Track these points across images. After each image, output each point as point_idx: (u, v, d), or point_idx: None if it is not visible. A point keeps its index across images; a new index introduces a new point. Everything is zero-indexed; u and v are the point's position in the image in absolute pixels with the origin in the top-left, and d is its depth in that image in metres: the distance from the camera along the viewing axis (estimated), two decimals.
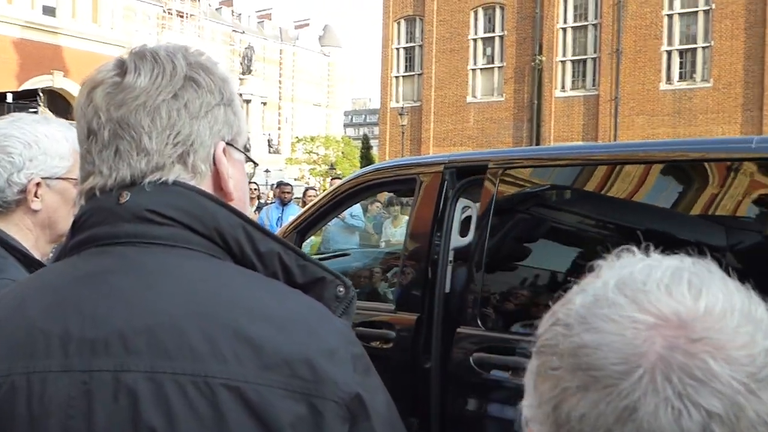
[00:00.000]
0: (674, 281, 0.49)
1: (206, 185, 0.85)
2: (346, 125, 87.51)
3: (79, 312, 0.76)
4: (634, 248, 0.54)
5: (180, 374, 0.71)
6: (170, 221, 0.81)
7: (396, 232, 7.61)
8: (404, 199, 8.03)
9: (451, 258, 3.16)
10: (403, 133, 28.48)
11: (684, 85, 25.05)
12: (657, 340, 0.46)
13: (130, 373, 0.72)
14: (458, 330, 2.81)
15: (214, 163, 0.86)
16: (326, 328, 0.77)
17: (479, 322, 2.78)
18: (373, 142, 39.54)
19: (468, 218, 3.23)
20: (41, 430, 0.72)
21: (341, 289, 0.85)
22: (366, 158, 35.12)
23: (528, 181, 3.02)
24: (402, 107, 29.11)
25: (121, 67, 0.85)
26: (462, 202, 3.18)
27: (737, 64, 23.99)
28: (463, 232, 3.20)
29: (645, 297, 0.48)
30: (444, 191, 3.12)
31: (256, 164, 1.06)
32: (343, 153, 46.98)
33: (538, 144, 26.78)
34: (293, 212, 7.39)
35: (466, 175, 3.16)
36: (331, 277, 0.85)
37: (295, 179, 33.35)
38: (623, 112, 25.53)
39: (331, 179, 11.19)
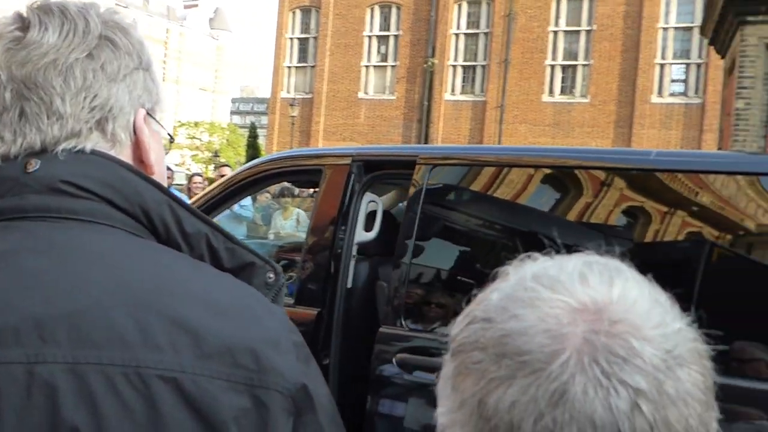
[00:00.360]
0: (586, 271, 0.50)
1: (126, 156, 0.77)
2: (233, 112, 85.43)
3: None
4: (537, 254, 0.54)
5: (107, 365, 0.62)
6: (88, 194, 0.72)
7: (286, 224, 7.46)
8: (296, 190, 7.90)
9: (354, 252, 3.10)
10: (292, 124, 28.15)
11: (564, 98, 26.42)
12: (579, 324, 0.46)
13: (46, 364, 0.62)
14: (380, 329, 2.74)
15: (135, 132, 0.78)
16: (268, 316, 0.72)
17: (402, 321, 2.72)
18: (261, 132, 38.83)
19: (373, 213, 3.19)
20: None
21: (271, 275, 0.79)
22: (252, 147, 34.41)
23: (458, 178, 2.98)
24: (293, 98, 28.75)
25: (22, 21, 0.74)
26: (368, 196, 3.12)
27: (612, 84, 25.60)
28: (368, 227, 3.15)
29: (562, 286, 0.49)
30: (351, 185, 3.05)
31: (172, 139, 0.95)
32: (228, 141, 45.84)
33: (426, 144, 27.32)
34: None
35: (374, 170, 3.11)
36: (261, 263, 0.79)
37: (176, 165, 32.15)
38: (508, 120, 26.56)
39: (217, 167, 10.82)
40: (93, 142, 0.74)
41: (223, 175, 7.36)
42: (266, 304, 0.74)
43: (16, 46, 0.73)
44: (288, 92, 30.72)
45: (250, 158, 32.57)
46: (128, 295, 0.66)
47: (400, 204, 5.15)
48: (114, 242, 0.71)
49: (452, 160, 3.01)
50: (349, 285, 3.06)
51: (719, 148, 13.04)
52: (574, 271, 0.50)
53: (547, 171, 2.70)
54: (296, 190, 7.79)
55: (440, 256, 2.96)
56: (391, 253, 3.37)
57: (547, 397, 0.45)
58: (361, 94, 29.44)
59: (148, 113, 0.80)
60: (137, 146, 0.79)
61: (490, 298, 0.51)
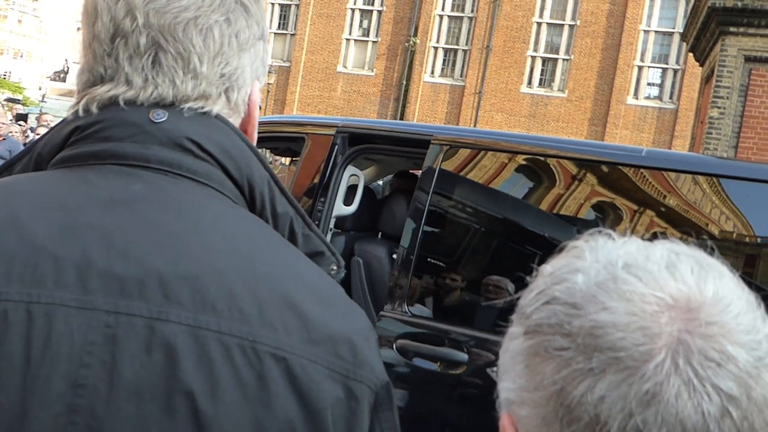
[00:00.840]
0: (676, 262, 0.49)
1: (238, 125, 0.77)
2: None
3: (104, 240, 0.63)
4: (610, 231, 0.53)
5: (227, 334, 0.62)
6: (209, 157, 0.71)
7: None
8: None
9: (332, 226, 3.05)
10: (268, 92, 27.78)
11: (542, 91, 26.56)
12: (674, 322, 0.46)
13: (169, 323, 0.61)
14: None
15: (249, 105, 0.78)
16: (357, 310, 0.73)
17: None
18: None
19: (353, 187, 3.14)
20: (39, 379, 0.57)
21: (334, 266, 0.79)
22: None
23: (474, 161, 2.78)
24: (271, 65, 28.33)
25: None
26: (350, 169, 3.07)
27: (590, 81, 25.82)
28: (347, 201, 3.10)
29: (652, 278, 0.48)
30: (333, 156, 2.99)
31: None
32: None
33: None
34: None
35: (358, 143, 3.05)
36: (329, 253, 0.79)
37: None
38: (484, 107, 26.63)
39: None
40: (219, 106, 0.73)
41: None
42: (349, 298, 0.75)
43: None
44: None
45: None
46: (248, 269, 0.66)
47: (380, 181, 5.09)
48: (231, 212, 0.71)
49: (468, 142, 2.81)
50: None
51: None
52: (662, 260, 0.48)
53: (577, 164, 2.59)
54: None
55: (449, 240, 2.82)
56: (369, 229, 3.33)
57: (639, 396, 0.44)
58: (339, 67, 29.16)
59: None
60: (247, 118, 0.78)
61: (575, 280, 0.49)
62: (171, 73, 0.71)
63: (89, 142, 0.70)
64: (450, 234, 2.84)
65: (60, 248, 0.61)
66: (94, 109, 0.71)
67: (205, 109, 0.72)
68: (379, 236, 3.26)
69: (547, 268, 0.53)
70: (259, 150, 0.73)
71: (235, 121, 0.76)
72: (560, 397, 0.46)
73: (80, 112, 0.71)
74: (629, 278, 0.47)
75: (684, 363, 0.44)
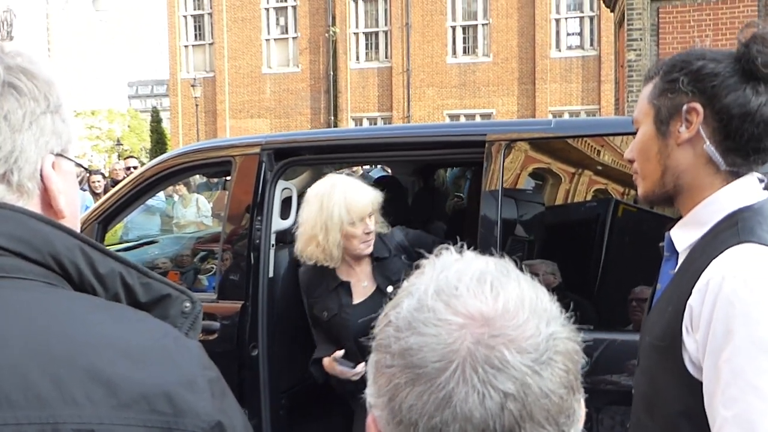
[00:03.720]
0: (479, 284, 0.59)
1: (34, 205, 0.77)
2: (131, 97, 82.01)
3: None
4: (451, 247, 0.64)
5: (24, 424, 0.63)
6: None
7: (187, 212, 7.55)
8: (192, 180, 7.76)
9: (273, 241, 3.08)
10: (197, 105, 27.31)
11: (468, 59, 26.78)
12: (467, 338, 0.56)
13: None
14: None
15: (42, 180, 0.77)
16: (183, 355, 0.73)
17: None
18: (164, 115, 37.52)
19: (288, 200, 3.17)
20: None
21: (187, 304, 0.81)
22: (156, 132, 33.27)
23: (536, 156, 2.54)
24: (194, 78, 27.85)
25: None
26: (281, 183, 3.10)
27: (512, 41, 26.13)
28: (284, 215, 3.13)
29: (457, 301, 0.58)
30: (262, 173, 3.02)
31: (87, 171, 0.94)
32: (129, 127, 44.07)
33: (335, 115, 27.18)
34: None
35: (284, 157, 3.08)
36: (176, 293, 0.81)
37: (76, 156, 30.61)
38: (414, 84, 26.73)
39: (124, 159, 10.36)
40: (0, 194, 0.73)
41: (128, 167, 7.11)
42: (181, 341, 0.75)
43: None
44: (188, 72, 29.72)
45: (155, 143, 31.50)
46: (44, 351, 0.66)
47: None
48: (27, 296, 0.71)
49: (530, 137, 2.56)
50: (271, 274, 3.05)
51: (616, 99, 13.57)
52: (470, 282, 0.59)
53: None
54: (192, 179, 7.68)
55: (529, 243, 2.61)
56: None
57: (437, 402, 0.55)
58: (264, 69, 28.86)
59: (59, 154, 0.79)
60: (45, 193, 0.77)
61: (402, 305, 0.60)
62: None
63: None
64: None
65: None
66: None
67: None
68: None
69: (403, 284, 0.64)
70: (63, 225, 0.77)
71: (28, 202, 0.76)
72: (390, 404, 0.58)
73: None
74: (437, 305, 0.58)
75: (470, 371, 0.55)
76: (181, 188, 7.58)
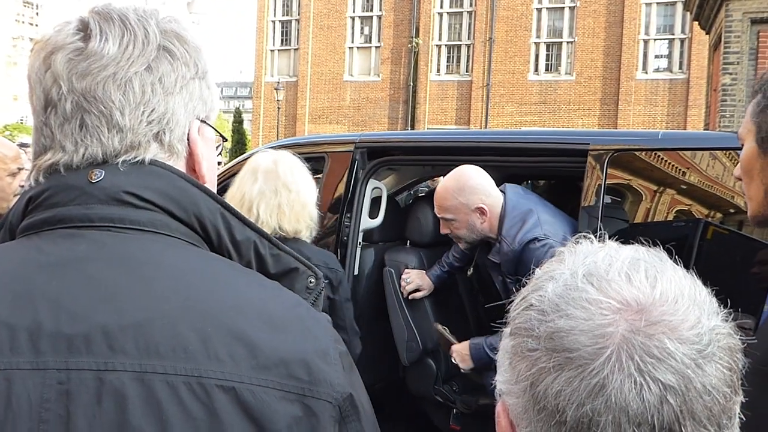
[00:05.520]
0: (633, 270, 0.55)
1: (181, 166, 0.80)
2: None
3: (52, 303, 0.67)
4: (591, 236, 0.61)
5: (172, 374, 0.66)
6: (149, 205, 0.75)
7: None
8: None
9: (360, 239, 3.11)
10: (278, 108, 27.96)
11: (550, 76, 26.41)
12: (621, 324, 0.52)
13: (116, 372, 0.65)
14: None
15: (188, 144, 0.80)
16: (317, 327, 0.75)
17: None
18: (246, 117, 38.54)
19: (377, 199, 3.20)
20: None
21: (312, 280, 0.83)
22: (238, 132, 34.16)
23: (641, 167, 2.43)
24: (278, 82, 28.53)
25: (85, 29, 0.76)
26: (372, 183, 3.13)
27: (597, 61, 25.61)
28: (372, 214, 3.16)
29: (609, 285, 0.55)
30: (354, 171, 3.06)
31: (225, 140, 0.97)
32: None
33: (413, 126, 27.26)
34: None
35: (377, 156, 3.12)
36: (303, 268, 0.83)
37: None
38: (494, 99, 26.55)
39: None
40: (152, 153, 0.77)
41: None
42: (313, 313, 0.77)
43: (77, 57, 0.75)
44: (272, 76, 30.47)
45: (236, 143, 32.34)
46: (192, 306, 0.69)
47: (408, 192, 5.16)
48: (175, 254, 0.74)
49: (636, 147, 2.47)
50: (356, 272, 3.08)
51: (706, 124, 13.10)
52: (622, 268, 0.55)
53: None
54: None
55: None
56: (396, 239, 3.38)
57: (588, 389, 0.51)
58: (346, 76, 29.27)
59: (203, 121, 0.82)
60: (191, 157, 0.81)
61: (546, 288, 0.57)
62: (96, 132, 0.74)
63: (41, 210, 0.75)
64: None
65: (12, 317, 0.66)
66: (41, 178, 0.76)
67: (137, 159, 0.75)
68: (408, 244, 3.32)
69: (537, 272, 0.61)
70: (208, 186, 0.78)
71: (177, 162, 0.79)
72: (531, 390, 0.55)
73: (32, 183, 0.77)
74: (587, 287, 0.55)
75: (627, 359, 0.51)
76: None
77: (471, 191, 2.59)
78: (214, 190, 0.84)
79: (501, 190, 2.63)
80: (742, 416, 0.57)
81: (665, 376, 0.51)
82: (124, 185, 0.74)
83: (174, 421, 0.64)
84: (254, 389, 0.67)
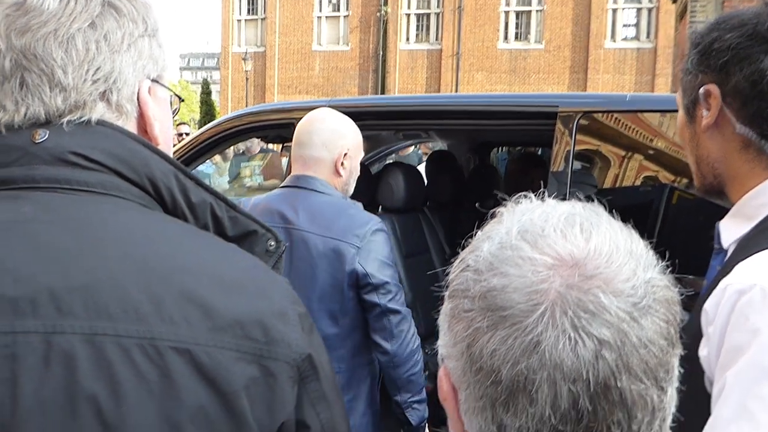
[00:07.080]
0: (568, 225, 0.54)
1: (131, 127, 0.77)
2: (182, 68, 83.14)
3: None
4: (531, 195, 0.59)
5: (124, 336, 0.64)
6: (97, 165, 0.72)
7: (222, 180, 7.94)
8: (228, 150, 7.94)
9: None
10: (247, 79, 27.58)
11: (519, 45, 26.43)
12: (555, 280, 0.51)
13: (64, 335, 0.63)
14: None
15: (138, 104, 0.77)
16: (274, 288, 0.74)
17: None
18: (214, 87, 37.94)
19: None
20: None
21: (272, 242, 0.81)
22: (206, 104, 33.66)
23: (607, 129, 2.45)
24: (246, 52, 28.09)
25: None
26: None
27: (566, 29, 25.68)
28: None
29: (543, 241, 0.53)
30: None
31: (181, 100, 0.94)
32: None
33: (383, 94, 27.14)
34: None
35: None
36: (262, 230, 0.81)
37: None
38: (464, 68, 26.50)
39: (176, 125, 10.46)
40: (98, 113, 0.74)
41: (180, 134, 7.20)
42: (271, 275, 0.76)
43: (15, 12, 0.72)
44: (239, 46, 29.99)
45: (204, 114, 31.90)
46: (142, 269, 0.67)
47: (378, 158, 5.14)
48: (126, 215, 0.72)
49: (603, 109, 2.46)
50: None
51: (672, 92, 13.24)
52: (557, 224, 0.54)
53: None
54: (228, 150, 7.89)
55: None
56: (367, 204, 3.38)
57: (522, 347, 0.50)
58: (314, 46, 28.94)
59: (154, 80, 0.79)
60: (141, 118, 0.78)
61: (481, 248, 0.56)
62: (38, 91, 0.71)
63: None
64: None
65: None
66: None
67: (83, 119, 0.73)
68: (379, 210, 3.32)
69: (477, 234, 0.59)
70: (159, 147, 0.77)
71: (126, 122, 0.76)
72: (468, 352, 0.54)
73: None
74: (520, 244, 0.54)
75: (561, 315, 0.50)
76: (216, 158, 7.73)
77: None
78: (169, 152, 0.81)
79: None
80: (681, 369, 0.55)
81: (600, 330, 0.50)
82: (69, 146, 0.72)
83: (126, 383, 0.63)
84: (210, 351, 0.66)
